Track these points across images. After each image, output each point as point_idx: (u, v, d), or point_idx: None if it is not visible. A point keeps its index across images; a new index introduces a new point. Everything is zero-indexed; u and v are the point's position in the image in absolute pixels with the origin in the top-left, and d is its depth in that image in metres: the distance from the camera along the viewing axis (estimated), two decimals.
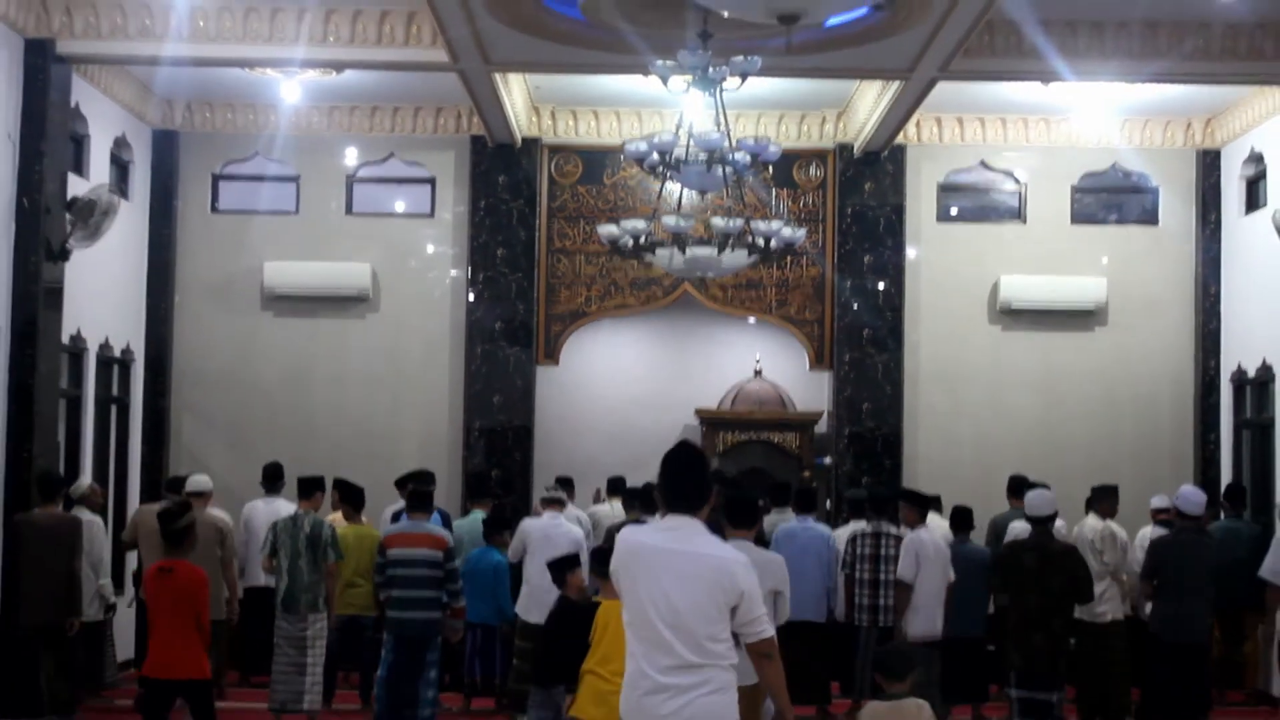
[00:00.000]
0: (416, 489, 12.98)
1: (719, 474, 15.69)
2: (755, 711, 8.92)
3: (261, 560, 12.93)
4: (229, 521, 13.95)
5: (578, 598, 10.03)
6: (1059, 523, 13.26)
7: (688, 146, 11.76)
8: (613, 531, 12.87)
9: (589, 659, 8.85)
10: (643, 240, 12.45)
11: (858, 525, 13.74)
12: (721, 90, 11.78)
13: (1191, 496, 12.37)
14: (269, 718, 12.48)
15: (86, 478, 14.37)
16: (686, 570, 6.16)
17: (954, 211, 17.58)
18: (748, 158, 11.77)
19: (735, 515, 9.54)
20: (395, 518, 13.86)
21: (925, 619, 12.45)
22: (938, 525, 13.86)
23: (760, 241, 12.25)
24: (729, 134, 11.82)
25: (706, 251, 12.25)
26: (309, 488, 12.87)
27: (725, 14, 5.26)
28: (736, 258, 12.31)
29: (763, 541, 11.33)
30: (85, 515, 13.44)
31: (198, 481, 13.88)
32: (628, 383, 18.06)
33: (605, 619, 8.77)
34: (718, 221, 12.21)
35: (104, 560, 13.60)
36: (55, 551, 12.32)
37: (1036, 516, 11.94)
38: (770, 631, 6.34)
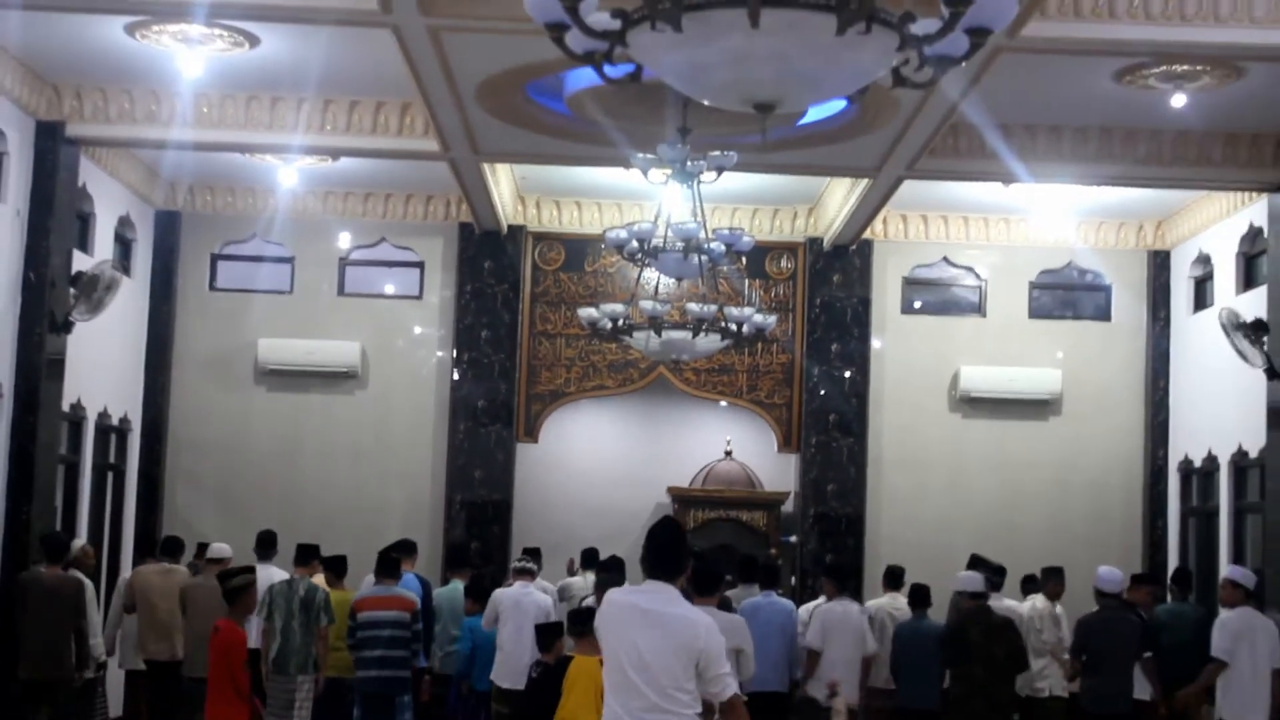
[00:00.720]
0: (384, 555, 13.07)
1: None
2: None
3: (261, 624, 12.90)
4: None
5: (555, 664, 10.09)
6: (1008, 601, 13.40)
7: (666, 235, 11.85)
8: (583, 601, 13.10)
9: (561, 708, 9.18)
10: (621, 323, 12.52)
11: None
12: (699, 183, 11.90)
13: (1108, 576, 12.50)
14: None
15: (79, 540, 14.33)
16: (657, 628, 6.67)
17: (917, 304, 17.72)
18: (722, 247, 11.87)
19: (700, 584, 9.82)
20: None
21: (820, 686, 12.40)
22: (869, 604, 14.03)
23: (733, 327, 12.34)
24: (705, 225, 11.93)
25: (681, 335, 12.33)
26: (306, 555, 12.96)
27: (705, 102, 5.35)
28: (710, 341, 12.40)
29: (727, 608, 11.42)
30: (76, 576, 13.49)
31: (218, 549, 13.89)
32: (604, 461, 18.08)
33: (576, 672, 9.23)
34: (692, 307, 12.29)
35: (95, 621, 13.51)
36: (58, 609, 12.27)
37: (972, 593, 12.32)
38: (732, 690, 6.72)
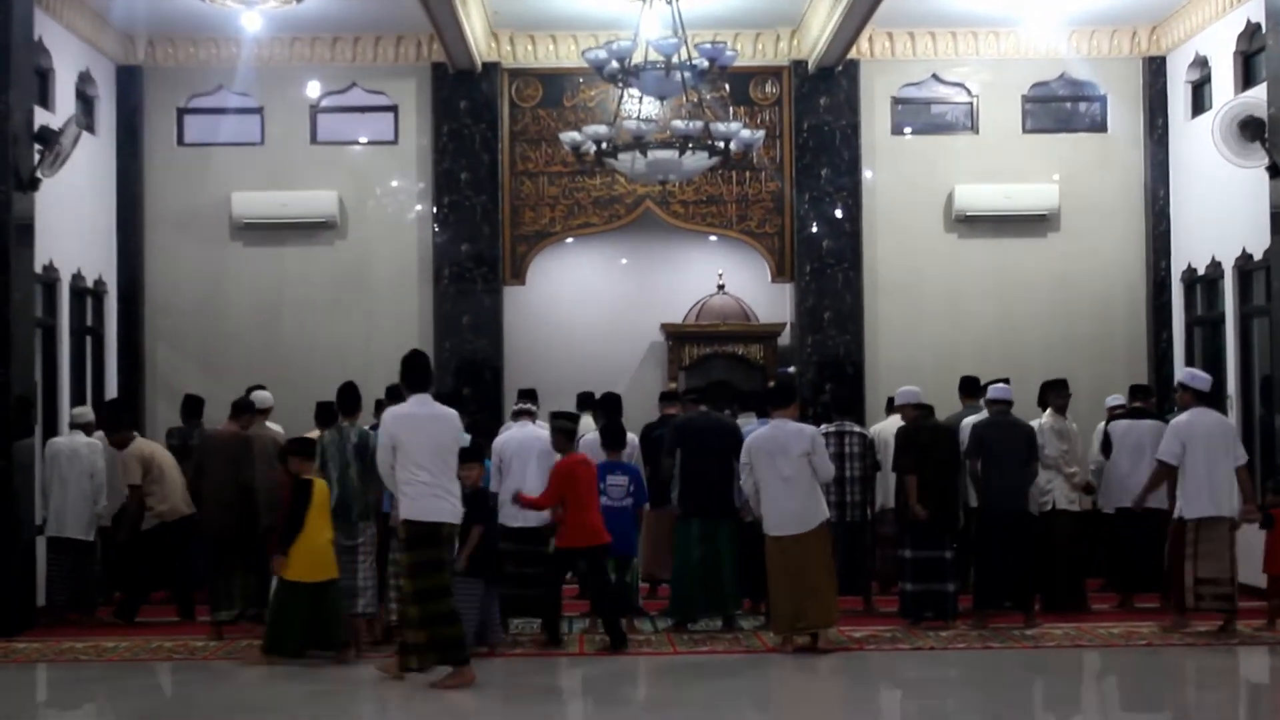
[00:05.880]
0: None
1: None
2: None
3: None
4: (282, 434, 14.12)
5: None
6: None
7: (646, 53, 11.71)
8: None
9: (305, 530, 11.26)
10: (605, 146, 12.41)
11: (824, 426, 13.81)
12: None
13: (1003, 388, 13.44)
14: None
15: (89, 409, 14.52)
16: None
17: (908, 125, 17.57)
18: (705, 62, 11.73)
19: (775, 399, 12.04)
20: None
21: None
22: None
23: (720, 144, 12.23)
24: (686, 41, 11.79)
25: (668, 154, 12.24)
26: (352, 404, 12.85)
27: None
28: (697, 160, 12.31)
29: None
30: (81, 438, 13.76)
31: (261, 397, 14.05)
32: (593, 301, 18.07)
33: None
34: (677, 124, 12.21)
35: (104, 485, 13.59)
36: (230, 467, 12.77)
37: (912, 404, 13.35)
38: None
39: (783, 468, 11.62)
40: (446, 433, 10.45)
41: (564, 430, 12.17)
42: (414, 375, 10.50)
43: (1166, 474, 12.72)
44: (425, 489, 10.20)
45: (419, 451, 10.21)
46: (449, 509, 10.31)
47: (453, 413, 10.63)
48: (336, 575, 11.47)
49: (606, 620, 12.03)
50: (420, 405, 10.41)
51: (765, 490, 11.72)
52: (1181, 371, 13.18)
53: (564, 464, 11.94)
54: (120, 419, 13.56)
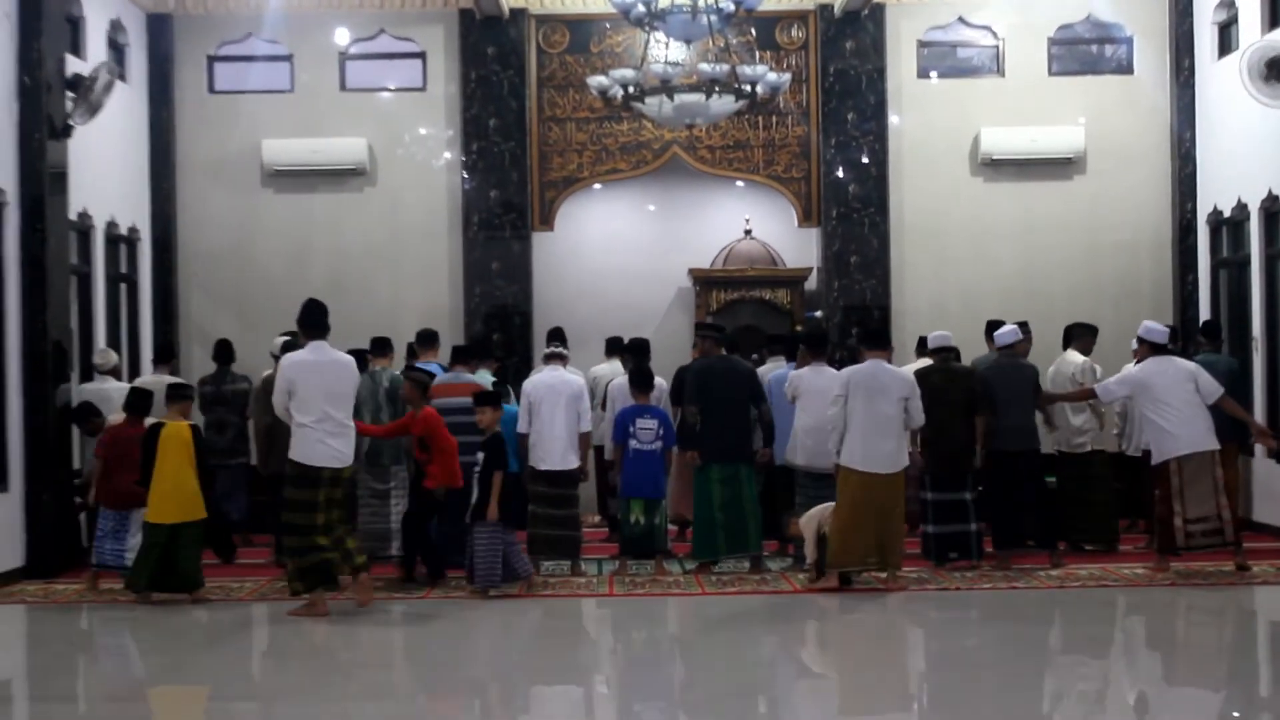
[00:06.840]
0: (458, 345, 13.48)
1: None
2: None
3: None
4: None
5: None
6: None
7: None
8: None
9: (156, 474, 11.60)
10: (632, 90, 12.47)
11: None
12: None
13: (1007, 331, 13.38)
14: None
15: (111, 351, 14.71)
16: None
17: (933, 68, 17.57)
18: (731, 6, 11.77)
19: (870, 341, 12.35)
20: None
21: (804, 450, 12.82)
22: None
23: (746, 88, 12.29)
24: None
25: (695, 97, 12.30)
26: (383, 346, 13.28)
27: None
28: (724, 103, 12.38)
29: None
30: (111, 383, 14.00)
31: (279, 344, 14.08)
32: (621, 246, 18.11)
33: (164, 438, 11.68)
34: (704, 67, 12.27)
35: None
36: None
37: (938, 348, 13.31)
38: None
39: (883, 407, 11.87)
40: (344, 379, 11.02)
41: (420, 383, 12.37)
42: (311, 322, 11.03)
43: (1085, 398, 13.27)
44: (311, 433, 10.78)
45: (311, 397, 10.78)
46: (329, 453, 10.82)
47: (350, 359, 11.16)
48: (198, 518, 11.77)
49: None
50: (316, 352, 10.93)
51: (858, 426, 11.85)
52: (1140, 325, 13.22)
53: (431, 412, 12.15)
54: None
